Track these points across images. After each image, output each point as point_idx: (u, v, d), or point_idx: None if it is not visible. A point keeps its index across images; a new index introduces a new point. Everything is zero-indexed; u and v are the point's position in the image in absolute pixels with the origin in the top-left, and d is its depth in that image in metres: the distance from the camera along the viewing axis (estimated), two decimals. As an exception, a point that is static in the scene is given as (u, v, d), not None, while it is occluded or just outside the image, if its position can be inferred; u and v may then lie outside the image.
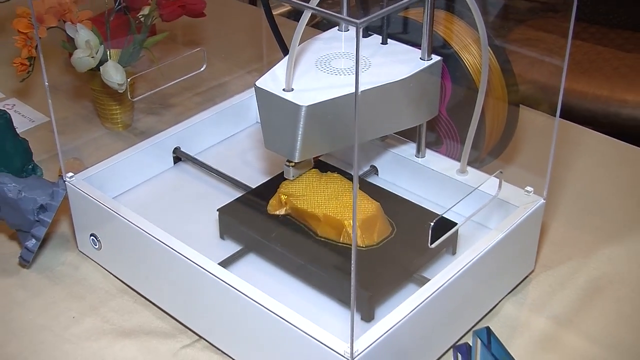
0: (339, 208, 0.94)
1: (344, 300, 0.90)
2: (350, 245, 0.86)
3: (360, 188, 0.98)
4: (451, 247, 0.97)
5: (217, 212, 1.00)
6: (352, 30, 1.02)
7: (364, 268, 0.89)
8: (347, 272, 0.81)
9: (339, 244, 0.93)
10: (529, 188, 0.97)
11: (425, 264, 0.94)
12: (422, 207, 1.00)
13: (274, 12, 1.12)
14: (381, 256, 0.92)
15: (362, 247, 0.92)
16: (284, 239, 0.95)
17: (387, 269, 0.91)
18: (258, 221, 0.98)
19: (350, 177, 1.00)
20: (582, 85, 1.99)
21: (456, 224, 0.91)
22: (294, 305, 0.82)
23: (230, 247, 0.98)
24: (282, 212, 0.98)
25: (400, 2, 0.68)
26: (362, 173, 1.08)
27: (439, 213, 0.94)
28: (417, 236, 0.93)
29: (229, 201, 1.02)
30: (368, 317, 0.87)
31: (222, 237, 1.01)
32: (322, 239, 0.94)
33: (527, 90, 1.04)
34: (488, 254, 0.89)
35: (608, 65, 2.06)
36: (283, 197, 0.98)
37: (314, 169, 1.01)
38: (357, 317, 0.87)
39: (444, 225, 0.88)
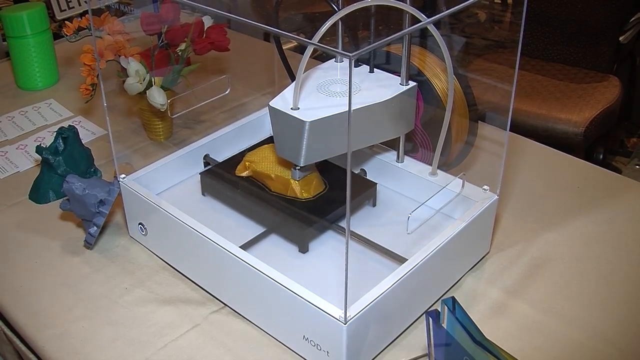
0: (287, 171, 0.97)
1: (286, 237, 0.96)
2: (295, 197, 0.97)
3: None
4: (372, 200, 1.01)
5: (199, 175, 1.05)
6: (346, 61, 1.01)
7: (302, 214, 0.95)
8: (290, 216, 0.95)
9: (286, 197, 0.97)
10: (485, 187, 0.96)
11: (350, 214, 0.99)
12: (350, 171, 1.02)
13: (283, 47, 1.11)
14: (315, 206, 0.96)
15: (302, 199, 0.96)
16: (247, 193, 0.99)
17: (319, 215, 0.95)
18: (229, 181, 1.02)
19: None
20: (526, 106, 1.98)
21: (376, 183, 1.00)
22: (303, 277, 0.82)
23: (250, 232, 0.97)
24: (246, 174, 1.02)
25: (384, 40, 0.67)
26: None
27: (367, 178, 1.02)
28: (343, 192, 0.96)
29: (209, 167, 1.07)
30: (303, 249, 0.94)
31: (203, 194, 1.05)
32: (274, 193, 0.98)
33: (483, 109, 1.04)
34: (453, 238, 0.88)
35: (545, 90, 2.06)
36: (247, 163, 1.01)
37: (271, 143, 1.03)
38: (295, 249, 0.94)
39: (366, 185, 1.00)
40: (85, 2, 1.72)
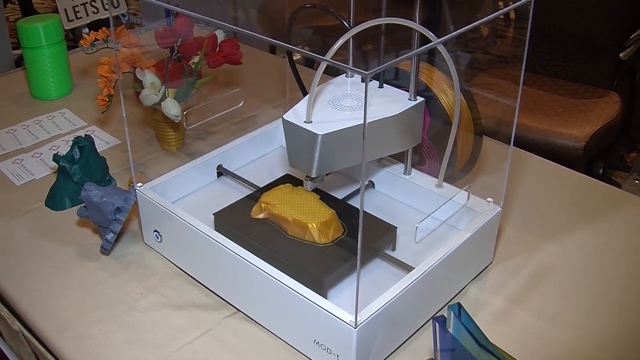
0: (305, 214, 0.95)
1: (305, 283, 0.88)
2: (313, 242, 0.92)
3: (322, 199, 0.99)
4: (391, 244, 0.98)
5: (213, 216, 1.00)
6: (357, 77, 1.04)
7: (320, 261, 0.91)
8: (308, 263, 0.87)
9: (304, 241, 0.94)
10: (489, 199, 0.99)
11: (369, 258, 0.95)
12: (371, 214, 1.00)
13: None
14: (334, 251, 0.93)
15: (320, 244, 0.93)
16: (262, 237, 0.96)
17: (338, 262, 0.92)
18: (243, 223, 0.99)
19: (315, 191, 1.00)
20: (528, 120, 2.00)
21: (395, 227, 0.96)
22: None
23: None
24: (262, 216, 0.99)
25: (398, 59, 0.70)
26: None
27: (381, 219, 0.98)
28: (363, 236, 0.94)
29: (223, 207, 1.02)
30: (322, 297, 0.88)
31: None
32: (291, 237, 0.95)
33: (487, 124, 1.06)
34: (458, 248, 0.90)
35: (547, 105, 2.08)
36: (263, 204, 0.99)
37: (288, 184, 1.02)
38: None
39: (385, 229, 0.93)
40: (94, 12, 1.76)
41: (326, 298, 0.87)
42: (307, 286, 0.87)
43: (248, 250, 0.93)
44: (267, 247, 0.94)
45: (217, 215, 1.01)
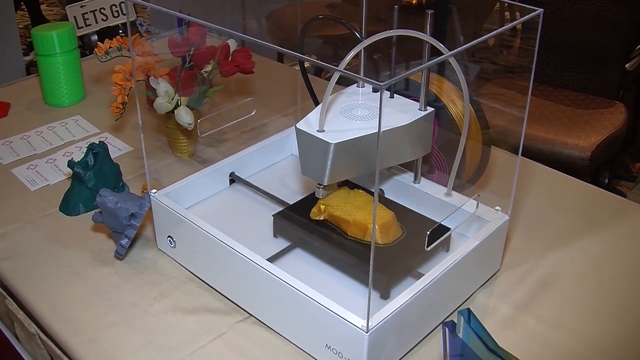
0: (364, 215, 0.97)
1: (366, 282, 0.92)
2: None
3: (380, 201, 1.01)
4: (446, 246, 1.00)
5: (272, 217, 1.03)
6: (368, 87, 1.05)
7: (382, 260, 0.93)
8: (369, 262, 0.85)
9: (364, 242, 0.96)
10: (497, 207, 1.00)
11: (426, 258, 0.97)
12: (425, 216, 1.03)
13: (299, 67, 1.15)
14: (395, 251, 0.95)
15: (381, 244, 0.95)
16: (323, 237, 0.99)
17: (399, 261, 0.94)
18: (303, 224, 1.02)
19: (371, 193, 1.03)
20: (534, 130, 2.02)
21: (449, 229, 0.95)
22: (324, 290, 0.85)
23: (274, 246, 1.01)
24: (321, 217, 1.01)
25: (411, 71, 0.72)
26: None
27: (437, 221, 0.98)
28: (421, 238, 0.94)
29: (281, 209, 1.05)
30: (385, 295, 0.92)
31: (275, 235, 1.04)
32: (351, 238, 0.98)
33: (494, 134, 1.08)
34: (467, 256, 0.92)
35: (553, 115, 2.10)
36: (322, 206, 1.01)
37: (344, 186, 1.04)
38: (376, 295, 0.92)
39: (440, 230, 0.92)
40: (102, 20, 1.78)
41: (389, 296, 0.91)
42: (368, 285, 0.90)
43: (308, 251, 1.00)
44: (328, 248, 0.97)
45: (276, 216, 1.03)
